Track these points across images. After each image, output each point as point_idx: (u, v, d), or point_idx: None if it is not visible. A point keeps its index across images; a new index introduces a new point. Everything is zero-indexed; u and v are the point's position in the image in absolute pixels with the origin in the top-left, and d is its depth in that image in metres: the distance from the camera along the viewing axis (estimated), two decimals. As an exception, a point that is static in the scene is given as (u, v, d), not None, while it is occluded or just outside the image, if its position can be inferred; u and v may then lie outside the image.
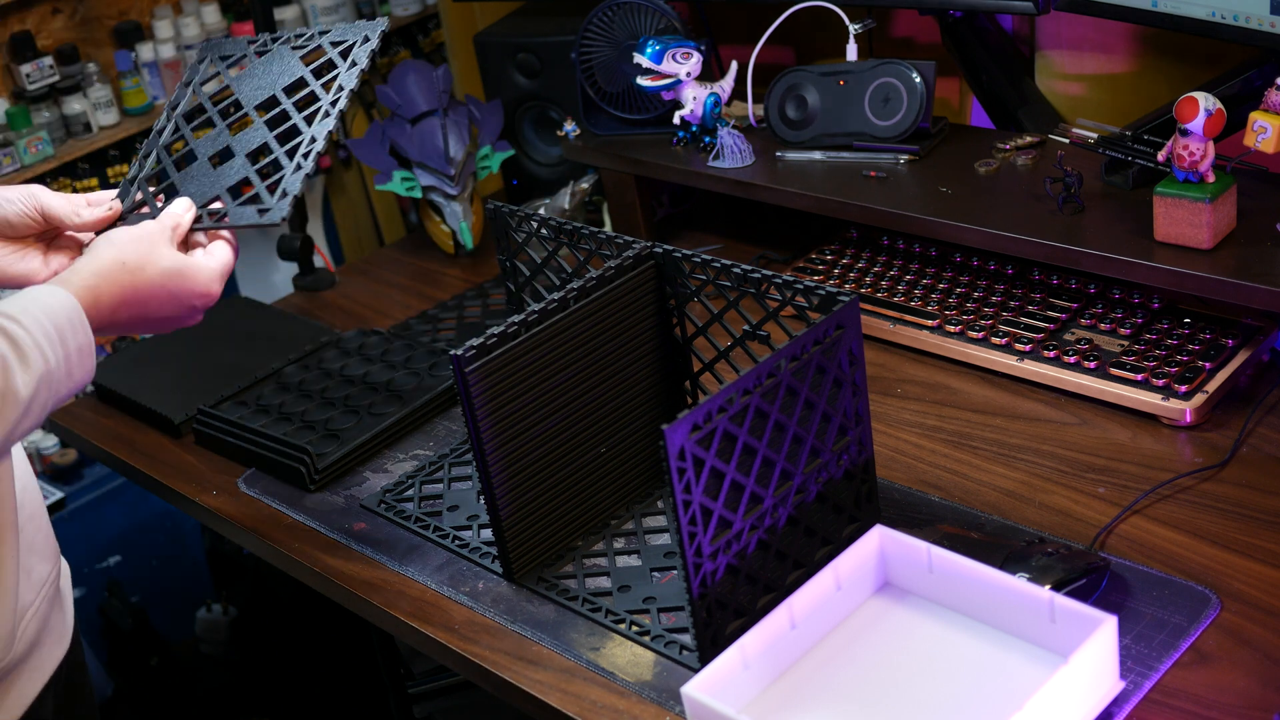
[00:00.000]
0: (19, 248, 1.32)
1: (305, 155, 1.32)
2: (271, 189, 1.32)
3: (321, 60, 1.40)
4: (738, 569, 1.22)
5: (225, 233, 1.35)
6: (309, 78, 1.39)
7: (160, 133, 1.42)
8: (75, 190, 2.49)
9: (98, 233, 1.33)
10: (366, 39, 1.40)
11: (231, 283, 2.79)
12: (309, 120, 1.35)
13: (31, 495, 1.34)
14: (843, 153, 1.79)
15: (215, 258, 1.32)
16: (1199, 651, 1.17)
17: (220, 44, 1.48)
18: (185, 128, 1.41)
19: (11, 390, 1.11)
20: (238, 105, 1.42)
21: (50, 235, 1.34)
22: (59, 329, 1.16)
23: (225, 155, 1.37)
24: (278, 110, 1.38)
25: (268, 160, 1.35)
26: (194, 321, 1.32)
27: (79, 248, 1.33)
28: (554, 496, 1.39)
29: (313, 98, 1.37)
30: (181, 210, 1.33)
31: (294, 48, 1.43)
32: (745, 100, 1.90)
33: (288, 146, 1.34)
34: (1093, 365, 1.50)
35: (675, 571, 1.35)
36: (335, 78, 1.37)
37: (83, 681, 1.48)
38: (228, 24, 2.64)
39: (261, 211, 1.31)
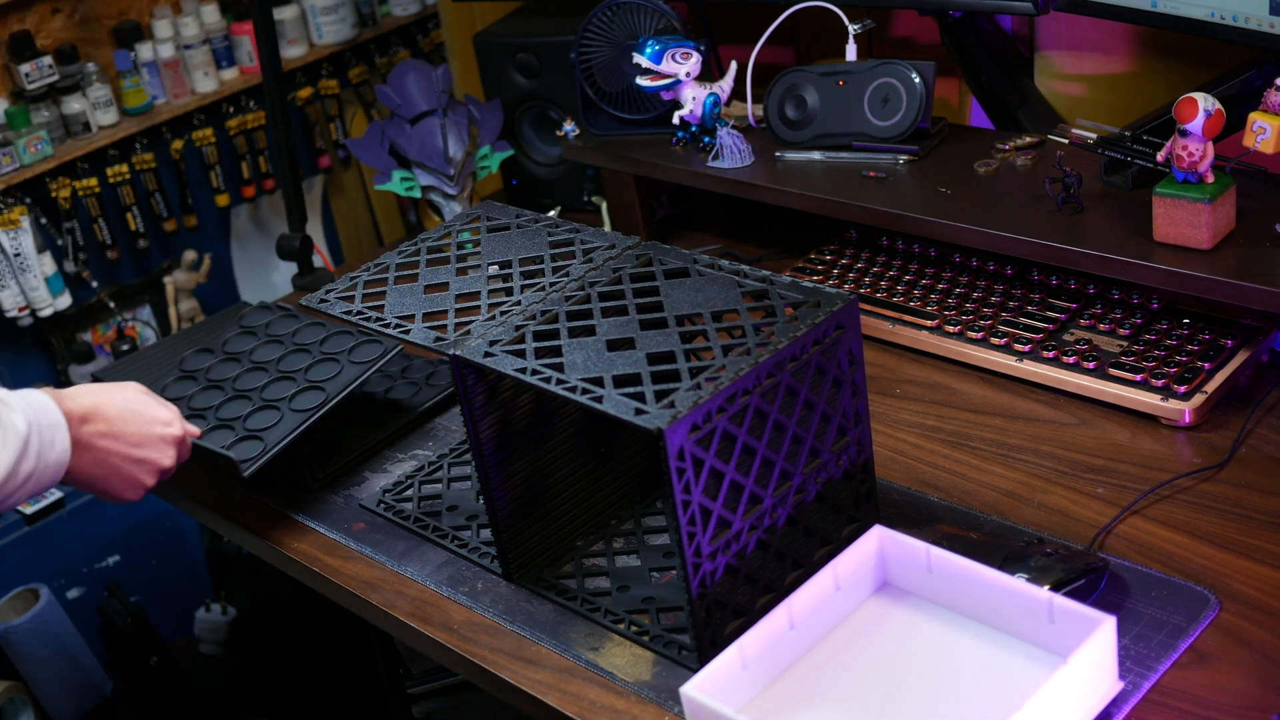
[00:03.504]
0: None
1: None
2: None
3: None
4: (737, 569, 1.22)
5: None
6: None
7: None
8: (75, 190, 2.49)
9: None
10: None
11: (231, 284, 2.80)
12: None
13: None
14: (842, 153, 1.79)
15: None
16: (1198, 652, 1.17)
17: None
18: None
19: (12, 425, 1.20)
20: None
21: None
22: (33, 403, 1.25)
23: None
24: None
25: None
26: (167, 462, 1.38)
27: None
28: (553, 496, 1.39)
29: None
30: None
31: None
32: (745, 100, 1.90)
33: None
34: (1092, 365, 1.50)
35: (674, 571, 1.35)
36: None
37: None
38: (227, 24, 2.64)
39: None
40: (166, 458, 1.38)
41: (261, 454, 1.48)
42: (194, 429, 1.45)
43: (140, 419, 1.35)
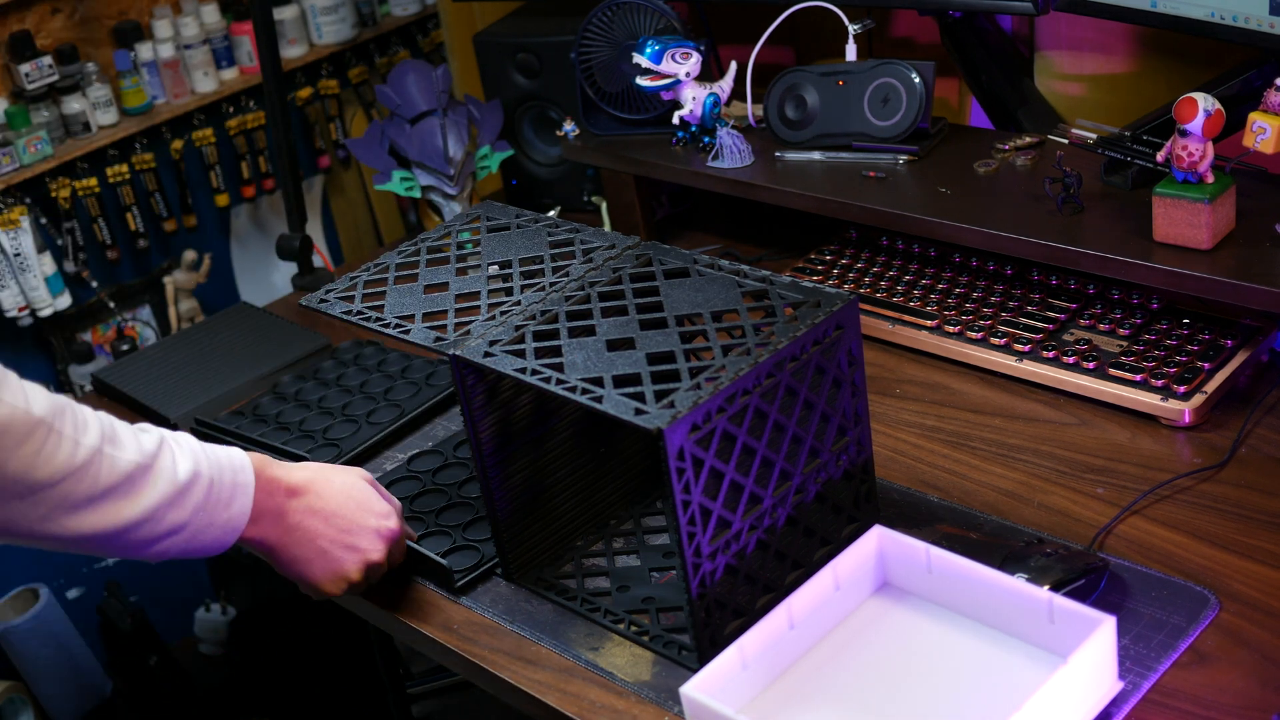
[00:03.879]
0: None
1: None
2: None
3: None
4: (737, 569, 1.22)
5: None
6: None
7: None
8: (75, 190, 2.49)
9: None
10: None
11: (231, 283, 2.80)
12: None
13: None
14: (842, 153, 1.79)
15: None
16: (1197, 652, 1.17)
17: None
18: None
19: (170, 468, 1.15)
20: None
21: None
22: (222, 461, 1.21)
23: None
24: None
25: None
26: (375, 553, 1.30)
27: None
28: (553, 496, 1.39)
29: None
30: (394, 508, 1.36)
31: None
32: (745, 100, 1.90)
33: None
34: (1092, 365, 1.50)
35: (674, 571, 1.35)
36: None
37: None
38: (227, 24, 2.64)
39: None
40: (376, 551, 1.30)
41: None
42: (412, 531, 1.38)
43: (356, 504, 1.29)
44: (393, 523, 1.32)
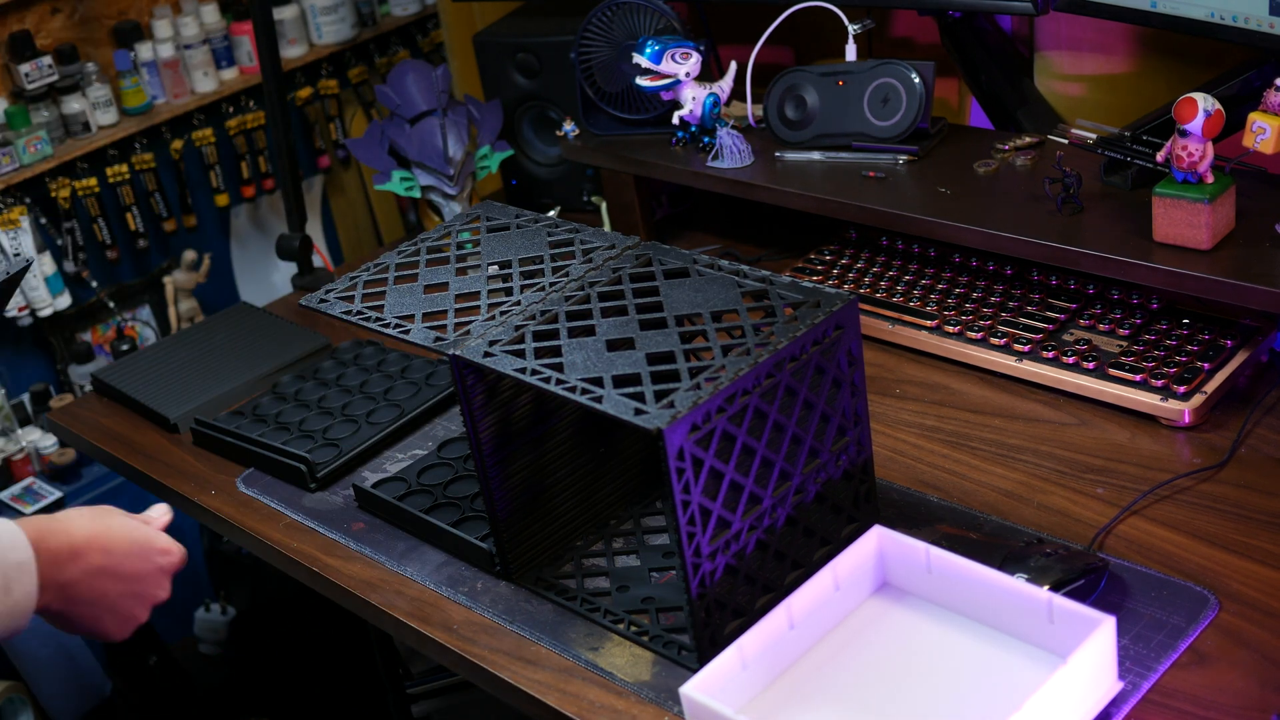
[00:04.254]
0: None
1: None
2: None
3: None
4: (736, 569, 1.22)
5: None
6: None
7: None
8: (75, 190, 2.49)
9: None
10: None
11: (230, 284, 2.80)
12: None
13: None
14: (842, 153, 1.79)
15: (159, 523, 1.29)
16: (1197, 652, 1.17)
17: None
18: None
19: None
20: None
21: None
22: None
23: None
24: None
25: None
26: (164, 594, 1.25)
27: None
28: (553, 496, 1.39)
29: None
30: (157, 514, 1.30)
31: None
32: (744, 100, 1.90)
33: None
34: (1091, 366, 1.50)
35: (674, 572, 1.35)
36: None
37: None
38: (227, 24, 2.64)
39: None
40: (164, 590, 1.25)
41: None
42: (182, 550, 1.31)
43: (139, 550, 1.22)
44: (175, 557, 1.27)
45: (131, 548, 1.21)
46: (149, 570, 1.23)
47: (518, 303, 1.35)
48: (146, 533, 1.25)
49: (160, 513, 1.31)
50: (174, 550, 1.27)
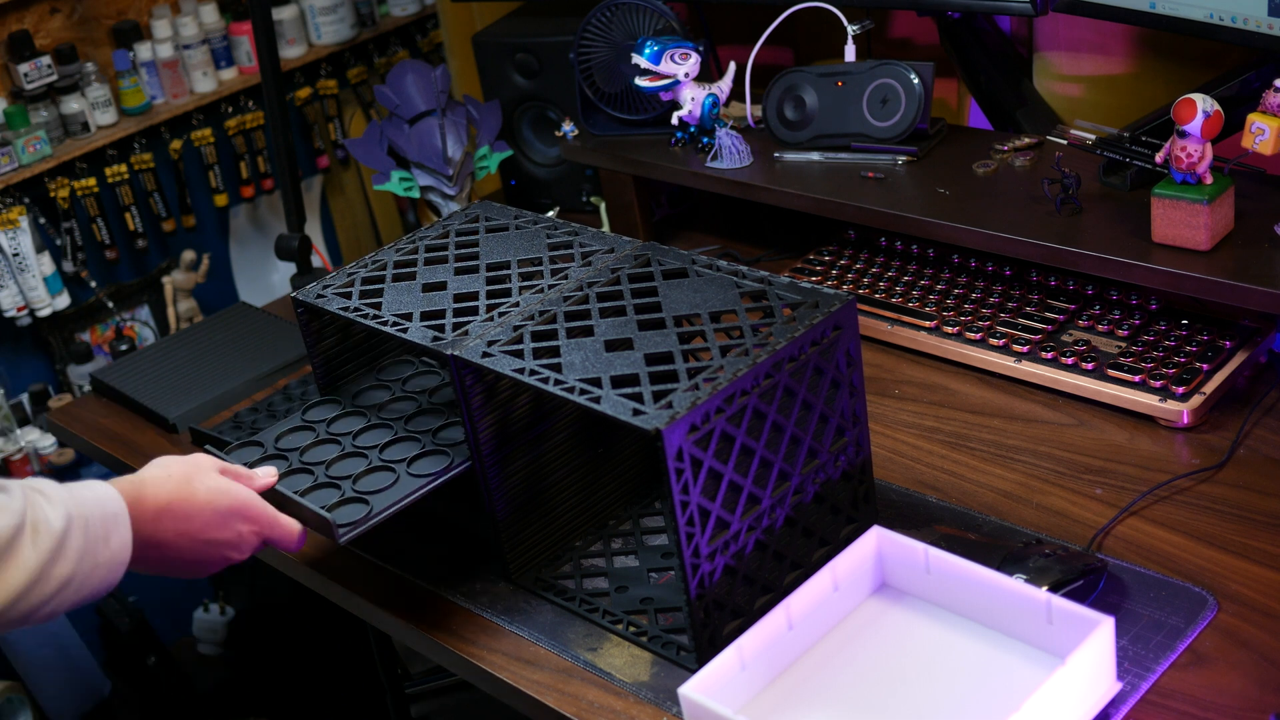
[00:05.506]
0: None
1: None
2: None
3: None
4: (735, 570, 1.22)
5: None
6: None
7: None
8: (74, 190, 2.49)
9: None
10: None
11: (229, 284, 2.80)
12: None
13: None
14: (841, 154, 1.79)
15: (258, 483, 1.32)
16: (1196, 653, 1.17)
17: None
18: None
19: (45, 520, 1.08)
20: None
21: None
22: (92, 497, 1.15)
23: None
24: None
25: None
26: (241, 556, 1.28)
27: None
28: (551, 497, 1.39)
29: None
30: (261, 471, 1.33)
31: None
32: (743, 101, 1.90)
33: None
34: (1090, 366, 1.50)
35: (673, 572, 1.35)
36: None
37: None
38: (226, 23, 2.64)
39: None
40: (241, 554, 1.28)
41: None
42: (295, 526, 1.31)
43: (220, 518, 1.25)
44: (260, 526, 1.29)
45: (213, 517, 1.25)
46: (227, 537, 1.27)
47: (516, 303, 1.35)
48: (232, 502, 1.26)
49: (264, 474, 1.33)
50: (261, 520, 1.28)
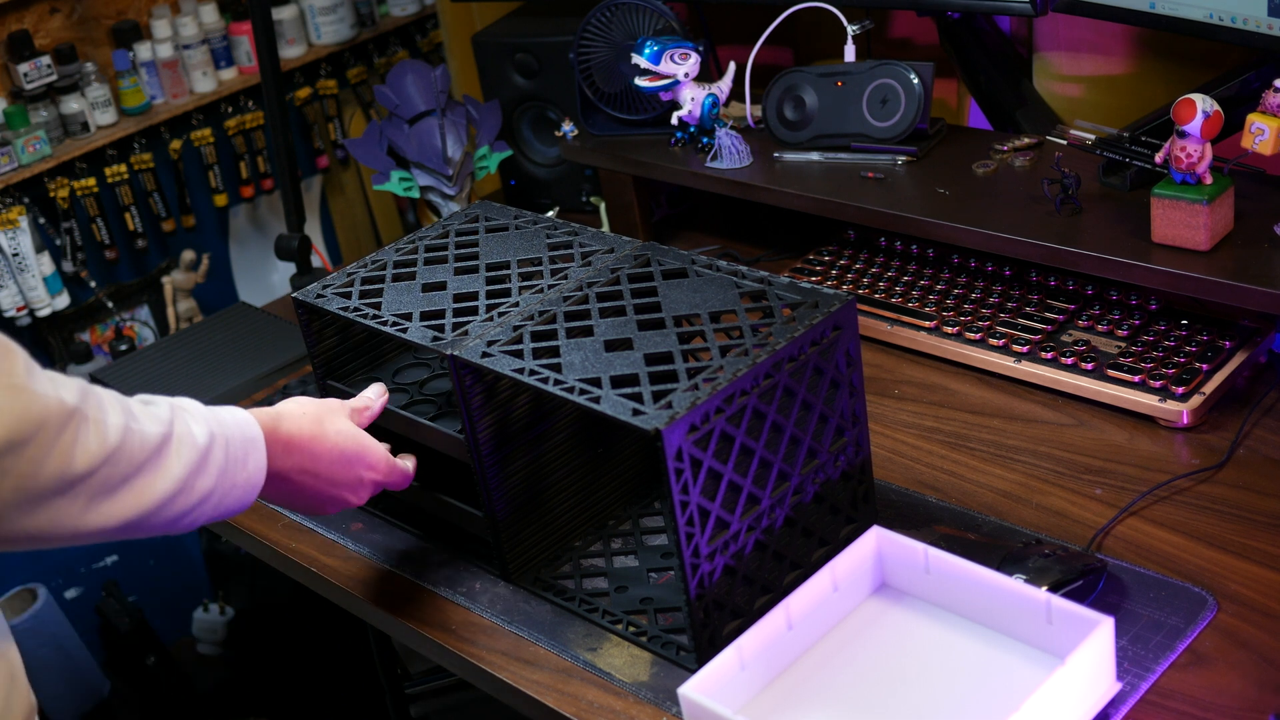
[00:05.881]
0: None
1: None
2: None
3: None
4: (735, 570, 1.22)
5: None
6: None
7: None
8: (73, 189, 2.49)
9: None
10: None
11: (229, 284, 2.80)
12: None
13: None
14: (841, 154, 1.79)
15: (378, 404, 1.36)
16: (1195, 653, 1.17)
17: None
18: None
19: (190, 434, 1.12)
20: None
21: None
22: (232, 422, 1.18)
23: None
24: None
25: None
26: (358, 501, 1.31)
27: None
28: (551, 497, 1.39)
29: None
30: (374, 395, 1.36)
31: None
32: (743, 101, 1.90)
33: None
34: (1090, 366, 1.50)
35: (672, 572, 1.35)
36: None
37: None
38: (225, 23, 2.64)
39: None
40: (359, 499, 1.31)
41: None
42: (407, 468, 1.36)
43: (346, 461, 1.28)
44: (379, 474, 1.32)
45: (338, 459, 1.27)
46: (349, 479, 1.29)
47: (516, 303, 1.35)
48: (357, 448, 1.29)
49: (376, 393, 1.37)
50: (380, 467, 1.31)
